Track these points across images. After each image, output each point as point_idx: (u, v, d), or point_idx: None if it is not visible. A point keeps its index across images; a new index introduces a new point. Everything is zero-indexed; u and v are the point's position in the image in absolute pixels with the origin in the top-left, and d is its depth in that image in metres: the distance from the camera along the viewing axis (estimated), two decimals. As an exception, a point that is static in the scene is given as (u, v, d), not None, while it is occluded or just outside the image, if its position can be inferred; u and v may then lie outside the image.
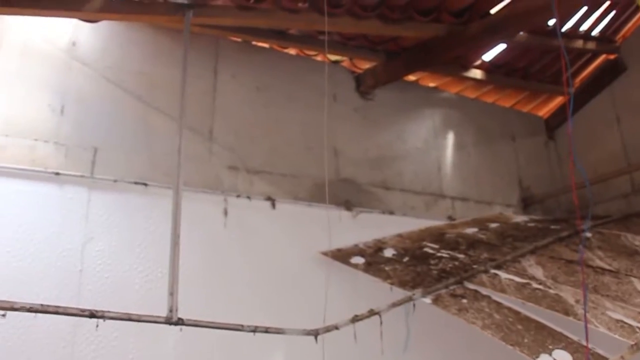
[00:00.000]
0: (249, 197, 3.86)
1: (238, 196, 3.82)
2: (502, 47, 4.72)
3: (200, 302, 3.19)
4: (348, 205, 4.16)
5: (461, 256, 3.60)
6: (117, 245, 3.47)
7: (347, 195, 4.21)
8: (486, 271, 3.22)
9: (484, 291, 3.05)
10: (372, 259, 3.73)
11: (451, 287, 3.10)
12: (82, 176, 3.50)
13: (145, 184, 3.61)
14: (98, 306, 3.20)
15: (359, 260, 3.72)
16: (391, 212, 4.32)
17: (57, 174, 3.44)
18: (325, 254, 3.72)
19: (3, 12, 2.73)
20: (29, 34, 3.68)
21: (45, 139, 3.51)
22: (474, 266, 3.33)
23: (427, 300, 3.07)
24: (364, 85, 4.56)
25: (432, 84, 5.02)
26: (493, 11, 3.99)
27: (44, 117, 3.57)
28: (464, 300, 2.98)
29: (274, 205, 3.91)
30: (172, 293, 2.57)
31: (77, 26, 3.80)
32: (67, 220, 3.41)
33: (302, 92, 4.32)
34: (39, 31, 3.70)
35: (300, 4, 3.34)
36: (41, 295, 3.19)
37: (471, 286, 3.10)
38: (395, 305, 3.10)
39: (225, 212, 3.75)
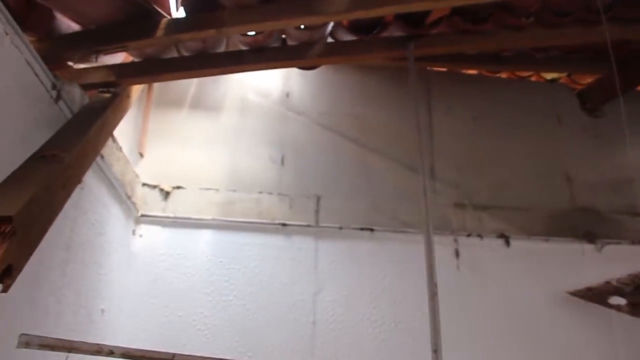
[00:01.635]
0: (480, 236, 3.53)
1: (468, 235, 3.51)
2: None
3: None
4: (590, 237, 3.65)
5: None
6: (348, 295, 3.33)
7: (588, 226, 3.70)
8: None
9: None
10: (635, 298, 3.19)
11: None
12: (308, 225, 3.44)
13: (372, 230, 3.45)
14: (333, 358, 3.13)
15: (619, 300, 3.21)
16: (644, 242, 3.74)
17: (284, 224, 3.42)
18: (574, 294, 3.27)
19: (236, 70, 2.73)
20: (245, 90, 3.80)
21: (269, 191, 3.53)
22: None
23: None
24: (590, 101, 4.07)
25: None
26: None
27: (266, 169, 3.60)
28: None
29: (508, 243, 3.54)
30: (436, 350, 2.25)
31: (288, 77, 3.87)
32: (296, 271, 3.35)
33: (523, 117, 3.96)
34: (254, 87, 3.82)
35: (524, 19, 3.03)
36: (277, 347, 3.17)
37: None
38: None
39: (457, 254, 3.46)
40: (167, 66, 2.69)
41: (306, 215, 3.47)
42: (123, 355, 1.90)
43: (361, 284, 3.36)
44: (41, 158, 1.85)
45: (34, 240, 1.66)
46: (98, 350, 1.89)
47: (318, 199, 3.52)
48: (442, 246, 3.48)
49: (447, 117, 3.84)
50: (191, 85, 3.81)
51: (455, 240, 3.50)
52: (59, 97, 2.31)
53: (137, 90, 3.08)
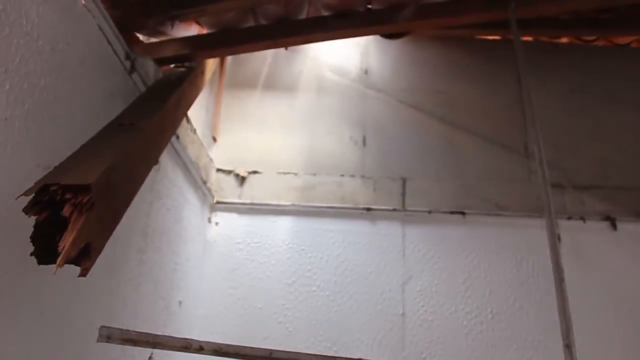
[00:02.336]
0: (582, 219, 3.19)
1: (569, 218, 3.19)
2: None
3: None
4: None
5: None
6: (439, 284, 3.07)
7: None
8: None
9: None
10: None
11: None
12: (394, 210, 3.19)
13: (463, 213, 3.17)
14: (425, 353, 2.89)
15: None
16: None
17: (369, 209, 3.19)
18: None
19: (320, 38, 2.51)
20: (321, 68, 3.60)
21: (352, 174, 3.30)
22: None
23: None
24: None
25: None
26: None
27: (348, 151, 3.38)
28: None
29: (614, 226, 3.19)
30: (570, 345, 1.89)
31: (367, 53, 3.64)
32: (383, 258, 3.12)
33: (624, 89, 3.58)
34: (331, 64, 3.61)
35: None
36: (364, 341, 2.99)
37: None
38: None
39: (558, 238, 3.13)
40: (244, 36, 2.48)
41: (392, 199, 3.23)
42: (215, 351, 1.68)
43: (453, 272, 3.09)
44: (119, 126, 1.66)
45: (115, 216, 1.46)
46: (186, 346, 1.69)
47: (404, 181, 3.27)
48: (540, 230, 3.17)
49: (541, 90, 3.50)
50: (264, 65, 3.62)
51: (556, 224, 3.17)
52: (133, 69, 2.14)
53: (211, 67, 2.90)
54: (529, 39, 3.71)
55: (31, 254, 1.28)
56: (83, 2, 1.77)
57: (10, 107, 1.42)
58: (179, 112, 2.19)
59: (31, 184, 1.33)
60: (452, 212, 3.19)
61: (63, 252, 1.18)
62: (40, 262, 1.28)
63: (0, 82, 1.38)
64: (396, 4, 2.52)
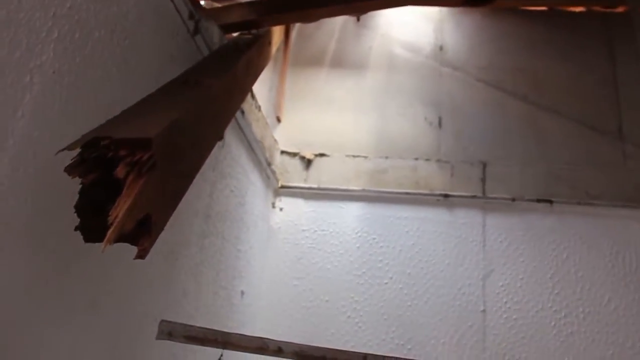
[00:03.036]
0: (688, 208, 2.88)
1: (673, 208, 2.87)
2: None
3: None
4: None
5: None
6: (524, 279, 2.82)
7: None
8: None
9: None
10: None
11: None
12: (474, 197, 2.95)
13: (550, 201, 2.89)
14: (508, 355, 2.65)
15: None
16: None
17: (446, 196, 2.96)
18: None
19: (402, 2, 2.25)
20: (393, 45, 3.38)
21: (427, 157, 3.07)
22: None
23: None
24: None
25: None
26: None
27: (422, 132, 3.16)
28: None
29: None
30: None
31: (441, 29, 3.42)
32: (462, 250, 2.89)
33: None
34: (402, 41, 3.39)
35: None
36: (441, 340, 2.79)
37: None
38: None
39: (661, 231, 2.84)
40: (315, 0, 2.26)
41: (471, 185, 3.00)
42: (295, 354, 1.46)
43: (539, 266, 2.84)
44: (184, 83, 1.44)
45: (180, 186, 1.23)
46: (262, 346, 1.47)
47: (484, 165, 3.03)
48: (639, 222, 2.88)
49: (634, 65, 3.19)
50: (331, 41, 3.43)
51: (656, 216, 2.87)
52: (196, 30, 1.94)
53: (277, 39, 2.69)
54: (621, 10, 3.39)
55: (76, 228, 1.04)
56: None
57: (58, 58, 1.21)
58: (248, 80, 1.99)
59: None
60: (538, 200, 2.93)
61: (115, 223, 0.93)
62: (87, 240, 1.03)
63: (47, 29, 1.18)
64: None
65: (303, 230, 3.00)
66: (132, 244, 1.03)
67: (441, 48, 3.37)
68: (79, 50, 1.30)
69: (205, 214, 2.21)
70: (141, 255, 1.03)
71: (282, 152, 3.13)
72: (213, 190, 2.27)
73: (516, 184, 2.98)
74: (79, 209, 1.02)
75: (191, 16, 1.90)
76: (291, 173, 3.10)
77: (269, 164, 2.89)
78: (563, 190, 2.95)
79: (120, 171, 0.97)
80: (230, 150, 2.43)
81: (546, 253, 2.85)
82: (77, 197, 1.03)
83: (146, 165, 0.99)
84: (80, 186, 1.02)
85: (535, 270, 2.82)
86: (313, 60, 3.41)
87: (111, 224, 0.93)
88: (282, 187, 3.06)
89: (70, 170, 0.98)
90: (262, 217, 2.90)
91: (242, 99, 2.04)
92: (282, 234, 3.00)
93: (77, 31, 1.29)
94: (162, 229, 1.12)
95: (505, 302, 2.79)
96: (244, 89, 1.98)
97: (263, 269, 2.91)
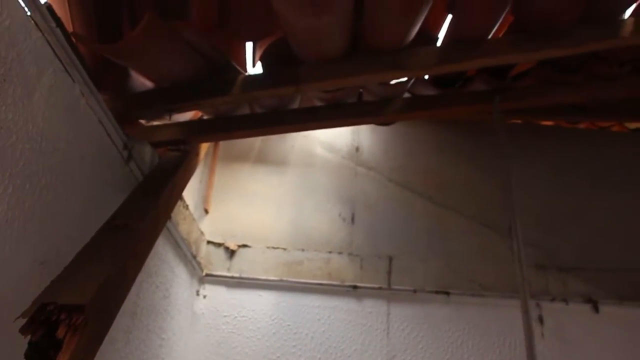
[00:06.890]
0: (565, 300, 3.25)
1: (552, 300, 3.24)
2: None
3: None
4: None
5: None
6: (423, 364, 3.09)
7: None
8: None
9: None
10: None
11: None
12: (380, 288, 3.24)
13: (447, 293, 3.22)
14: None
15: None
16: None
17: (355, 287, 3.23)
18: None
19: (312, 127, 2.61)
20: (313, 144, 3.69)
21: (340, 251, 3.36)
22: None
23: None
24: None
25: None
26: None
27: (336, 227, 3.44)
28: None
29: (596, 309, 3.25)
30: None
31: (358, 131, 3.74)
32: (367, 337, 3.14)
33: (607, 171, 3.69)
34: (322, 141, 3.71)
35: (616, 68, 2.82)
36: None
37: None
38: None
39: (541, 320, 3.19)
40: (240, 123, 2.58)
41: (378, 277, 3.28)
42: None
43: (436, 352, 3.11)
44: (114, 229, 1.72)
45: (105, 327, 1.51)
46: None
47: (390, 259, 3.33)
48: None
49: (525, 171, 3.61)
50: (257, 139, 3.71)
51: (538, 305, 3.23)
52: (130, 158, 2.22)
53: (205, 147, 2.98)
54: (517, 121, 3.83)
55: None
56: (85, 100, 1.86)
57: (11, 209, 1.49)
58: (172, 201, 2.26)
59: (27, 281, 1.38)
60: (436, 292, 3.23)
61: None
62: None
63: (3, 187, 1.46)
64: (386, 97, 2.64)
65: (224, 316, 3.20)
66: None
67: (357, 149, 3.71)
68: (28, 197, 1.57)
69: (132, 311, 2.43)
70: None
71: (209, 242, 3.36)
72: (140, 290, 2.49)
73: (419, 276, 3.28)
74: (28, 356, 1.30)
75: (125, 146, 2.17)
76: (215, 263, 3.31)
77: (194, 257, 3.12)
78: (459, 282, 3.27)
79: (60, 332, 1.28)
80: (156, 251, 2.67)
81: (443, 340, 3.14)
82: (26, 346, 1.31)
83: (80, 325, 1.30)
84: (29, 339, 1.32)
85: (432, 356, 3.08)
86: (241, 156, 3.68)
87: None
88: (207, 275, 3.28)
89: (23, 330, 1.28)
90: (186, 305, 3.11)
91: (167, 220, 2.31)
92: (205, 319, 3.20)
93: (27, 183, 1.56)
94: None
95: (406, 386, 3.06)
96: (168, 212, 2.25)
97: (186, 353, 3.10)
